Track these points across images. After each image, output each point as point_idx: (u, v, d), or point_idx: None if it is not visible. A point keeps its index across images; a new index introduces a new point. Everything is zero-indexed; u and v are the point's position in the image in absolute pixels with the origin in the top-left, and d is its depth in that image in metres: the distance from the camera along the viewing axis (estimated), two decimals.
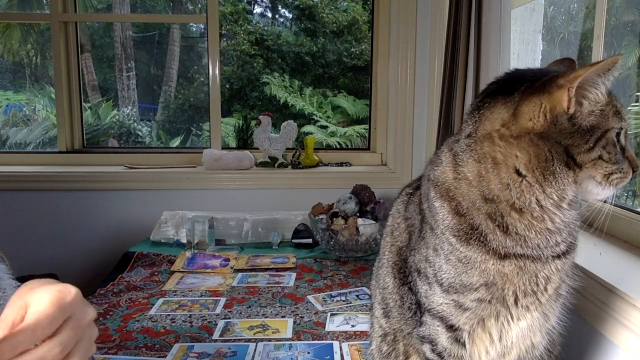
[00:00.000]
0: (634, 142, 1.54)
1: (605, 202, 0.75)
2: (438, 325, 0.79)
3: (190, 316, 1.46)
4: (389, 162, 2.59)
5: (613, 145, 0.68)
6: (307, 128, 5.29)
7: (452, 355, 0.79)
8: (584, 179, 0.69)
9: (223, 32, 5.34)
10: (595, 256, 1.10)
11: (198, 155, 2.51)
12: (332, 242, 1.99)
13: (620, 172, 0.69)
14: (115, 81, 5.41)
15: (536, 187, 0.69)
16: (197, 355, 1.24)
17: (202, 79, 5.49)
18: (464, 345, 0.79)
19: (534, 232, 0.71)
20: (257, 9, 6.30)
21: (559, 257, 0.73)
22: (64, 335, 0.52)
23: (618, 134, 0.69)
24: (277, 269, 1.87)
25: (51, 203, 2.37)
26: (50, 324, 0.51)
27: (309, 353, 1.25)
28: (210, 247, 2.05)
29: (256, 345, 1.28)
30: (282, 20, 6.13)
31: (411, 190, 0.92)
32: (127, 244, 2.16)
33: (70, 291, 0.54)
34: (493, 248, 0.72)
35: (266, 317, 1.46)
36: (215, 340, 1.32)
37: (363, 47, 5.30)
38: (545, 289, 0.75)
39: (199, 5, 5.20)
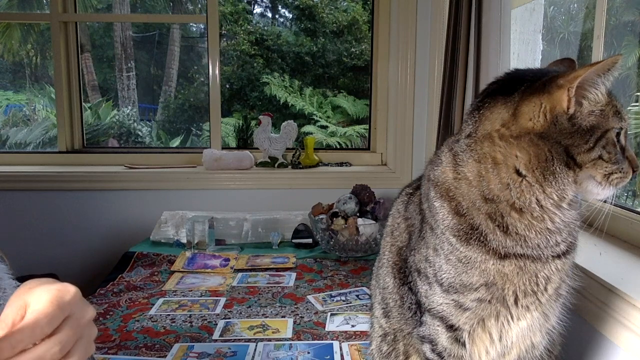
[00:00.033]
0: (634, 142, 1.54)
1: (605, 202, 0.75)
2: (438, 325, 0.79)
3: (190, 316, 1.46)
4: (389, 162, 2.59)
5: (613, 145, 0.68)
6: (307, 128, 5.29)
7: (452, 355, 0.79)
8: (584, 179, 0.69)
9: (223, 32, 5.34)
10: (595, 256, 1.10)
11: (198, 155, 2.51)
12: (332, 242, 1.99)
13: (620, 172, 0.69)
14: (115, 81, 5.41)
15: (536, 187, 0.69)
16: (197, 355, 1.24)
17: (202, 79, 5.49)
18: (464, 345, 0.79)
19: (534, 232, 0.71)
20: (257, 9, 6.31)
21: (559, 257, 0.74)
22: (63, 334, 0.52)
23: (618, 134, 0.69)
24: (277, 269, 1.87)
25: (51, 203, 2.37)
26: (50, 323, 0.51)
27: (309, 353, 1.25)
28: (210, 247, 2.05)
29: (256, 345, 1.28)
30: (282, 20, 6.13)
31: (411, 190, 0.92)
32: (127, 244, 2.16)
33: (69, 290, 0.54)
34: (493, 248, 0.72)
35: (266, 317, 1.46)
36: (215, 340, 1.32)
37: (363, 47, 5.30)
38: (546, 289, 0.75)
39: (199, 5, 5.20)
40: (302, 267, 1.89)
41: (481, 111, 0.74)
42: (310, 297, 1.60)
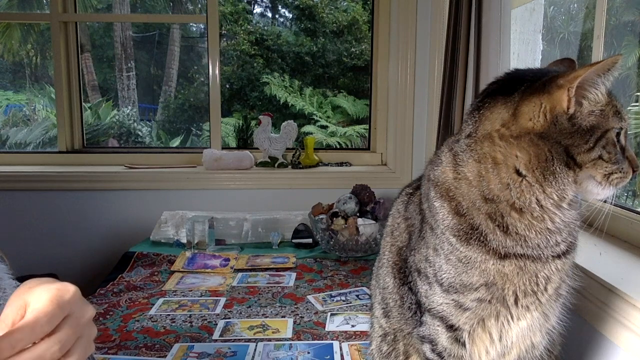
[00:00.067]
0: (634, 142, 1.54)
1: (605, 202, 0.75)
2: (438, 325, 0.79)
3: (190, 316, 1.46)
4: (389, 162, 2.59)
5: (613, 145, 0.68)
6: (307, 128, 5.29)
7: (452, 355, 0.79)
8: (584, 178, 0.69)
9: (223, 32, 5.34)
10: (595, 256, 1.10)
11: (198, 155, 2.51)
12: (332, 242, 1.99)
13: (620, 172, 0.69)
14: (115, 81, 5.40)
15: (536, 187, 0.69)
16: (197, 355, 1.24)
17: (202, 79, 5.49)
18: (464, 345, 0.79)
19: (534, 232, 0.71)
20: (257, 9, 6.30)
21: (559, 257, 0.74)
22: (62, 333, 0.52)
23: (618, 134, 0.69)
24: (277, 269, 1.87)
25: (51, 203, 2.37)
26: (49, 322, 0.51)
27: (309, 353, 1.25)
28: (210, 247, 2.05)
29: (256, 345, 1.28)
30: (282, 20, 6.13)
31: (411, 190, 0.92)
32: (127, 244, 2.16)
33: (69, 289, 0.54)
34: (493, 248, 0.72)
35: (266, 317, 1.46)
36: (215, 340, 1.32)
37: (363, 47, 5.30)
38: (546, 289, 0.75)
39: (199, 5, 5.20)
40: (302, 267, 1.89)
41: (481, 111, 0.74)
42: (310, 297, 1.60)
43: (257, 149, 2.54)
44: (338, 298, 1.60)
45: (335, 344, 1.29)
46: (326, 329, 1.38)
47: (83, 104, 2.64)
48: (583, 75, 0.66)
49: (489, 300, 0.74)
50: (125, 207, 2.39)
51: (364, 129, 4.73)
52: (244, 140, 3.05)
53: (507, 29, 1.46)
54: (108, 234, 2.39)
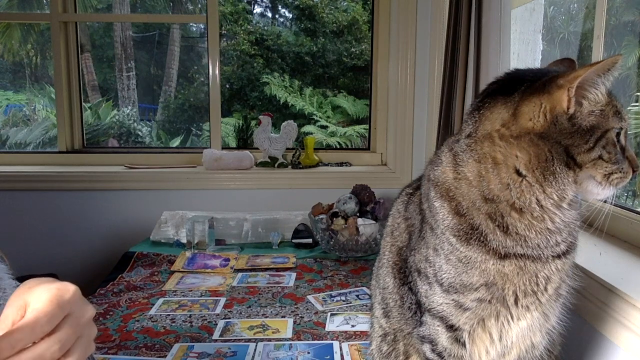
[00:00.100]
0: (634, 142, 1.54)
1: (605, 202, 0.75)
2: (438, 325, 0.79)
3: (190, 316, 1.46)
4: (389, 162, 2.59)
5: (613, 145, 0.68)
6: (307, 128, 5.29)
7: (452, 355, 0.79)
8: (584, 179, 0.69)
9: (223, 32, 5.34)
10: (595, 256, 1.10)
11: (198, 155, 2.51)
12: (332, 242, 1.99)
13: (620, 172, 0.69)
14: (115, 81, 5.40)
15: (536, 187, 0.69)
16: (197, 355, 1.24)
17: (202, 79, 5.49)
18: (464, 345, 0.79)
19: (534, 232, 0.71)
20: (257, 9, 6.30)
21: (559, 257, 0.74)
22: (62, 333, 0.52)
23: (618, 134, 0.69)
24: (277, 269, 1.87)
25: (51, 203, 2.37)
26: (49, 322, 0.51)
27: (309, 353, 1.25)
28: (210, 247, 2.05)
29: (256, 345, 1.28)
30: (282, 20, 6.12)
31: (411, 190, 0.92)
32: (127, 244, 2.16)
33: (69, 289, 0.54)
34: (493, 248, 0.72)
35: (266, 317, 1.46)
36: (215, 340, 1.32)
37: (363, 47, 5.30)
38: (546, 289, 0.75)
39: (199, 5, 5.20)
40: (302, 267, 1.89)
41: (481, 111, 0.74)
42: (310, 297, 1.60)
43: (257, 149, 2.54)
44: (338, 298, 1.60)
45: (335, 344, 1.29)
46: (326, 329, 1.38)
47: (83, 104, 2.64)
48: (583, 75, 0.66)
49: (489, 300, 0.74)
50: (125, 207, 2.39)
51: (364, 129, 4.73)
52: (244, 140, 3.05)
53: (507, 29, 1.46)
54: (108, 234, 2.39)
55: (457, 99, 1.66)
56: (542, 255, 0.72)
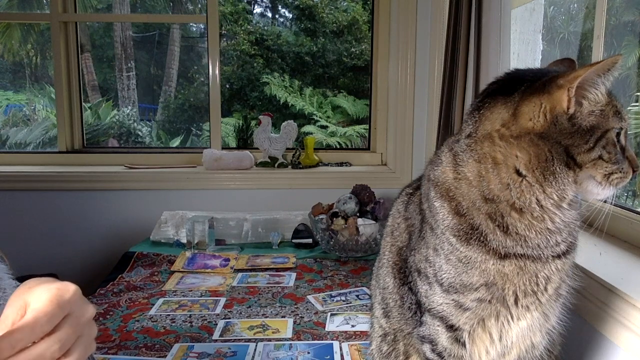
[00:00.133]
0: (634, 142, 1.54)
1: (605, 202, 0.75)
2: (438, 325, 0.79)
3: (190, 316, 1.46)
4: (389, 162, 2.59)
5: (613, 145, 0.68)
6: (307, 128, 5.29)
7: (452, 355, 0.79)
8: (584, 179, 0.69)
9: (223, 32, 5.34)
10: (595, 256, 1.10)
11: (198, 155, 2.51)
12: (332, 242, 1.99)
13: (620, 172, 0.69)
14: (115, 81, 5.40)
15: (536, 187, 0.69)
16: (197, 355, 1.24)
17: (202, 79, 5.49)
18: (464, 345, 0.79)
19: (534, 232, 0.71)
20: (257, 9, 6.30)
21: (559, 257, 0.74)
22: (62, 332, 0.52)
23: (618, 134, 0.69)
24: (277, 269, 1.87)
25: (51, 203, 2.37)
26: (49, 322, 0.51)
27: (309, 353, 1.25)
28: (210, 247, 2.05)
29: (256, 345, 1.28)
30: (282, 20, 6.12)
31: (411, 190, 0.92)
32: (127, 244, 2.16)
33: (69, 289, 0.54)
34: (493, 248, 0.72)
35: (266, 317, 1.46)
36: (215, 340, 1.32)
37: (363, 47, 5.30)
38: (546, 289, 0.75)
39: (199, 5, 5.20)
40: (302, 267, 1.89)
41: (481, 111, 0.74)
42: (310, 297, 1.60)
43: (257, 149, 2.54)
44: (338, 298, 1.60)
45: (335, 344, 1.29)
46: (326, 329, 1.38)
47: (83, 104, 2.64)
48: (583, 75, 0.66)
49: (489, 300, 0.74)
50: (125, 207, 2.39)
51: (364, 129, 4.73)
52: (244, 140, 3.05)
53: (507, 29, 1.46)
54: (108, 234, 2.39)
55: (457, 99, 1.66)
56: (542, 255, 0.72)
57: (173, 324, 1.41)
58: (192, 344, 1.30)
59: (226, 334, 1.36)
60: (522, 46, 1.90)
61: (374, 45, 2.62)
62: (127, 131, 4.96)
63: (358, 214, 2.06)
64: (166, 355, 1.24)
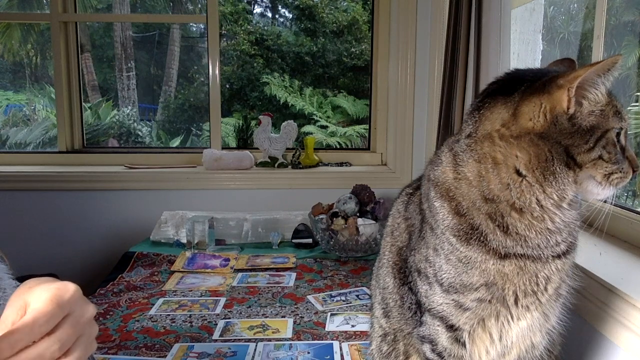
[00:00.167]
0: (634, 142, 1.54)
1: (605, 202, 0.75)
2: (438, 325, 0.79)
3: (190, 316, 1.46)
4: (389, 162, 2.59)
5: (613, 145, 0.68)
6: (307, 128, 5.29)
7: (452, 355, 0.79)
8: (584, 179, 0.69)
9: (223, 32, 5.34)
10: (595, 256, 1.10)
11: (198, 155, 2.51)
12: (332, 242, 1.99)
13: (620, 172, 0.69)
14: (115, 81, 5.40)
15: (536, 187, 0.69)
16: (197, 355, 1.24)
17: (202, 79, 5.49)
18: (464, 345, 0.79)
19: (534, 232, 0.71)
20: (257, 9, 6.30)
21: (559, 257, 0.74)
22: (62, 332, 0.52)
23: (618, 134, 0.69)
24: (277, 269, 1.87)
25: (51, 203, 2.37)
26: (48, 322, 0.51)
27: (309, 353, 1.25)
28: (210, 247, 2.05)
29: (256, 345, 1.28)
30: (282, 20, 6.12)
31: (411, 190, 0.92)
32: (127, 244, 2.16)
33: (68, 289, 0.54)
34: (493, 248, 0.72)
35: (266, 317, 1.46)
36: (215, 340, 1.32)
37: (363, 47, 5.30)
38: (546, 289, 0.75)
39: (199, 5, 5.20)
40: (302, 267, 1.89)
41: (481, 111, 0.74)
42: (310, 297, 1.60)
43: (257, 149, 2.54)
44: (338, 298, 1.60)
45: (335, 344, 1.29)
46: (326, 329, 1.38)
47: (83, 104, 2.64)
48: (583, 75, 0.66)
49: (489, 300, 0.74)
50: (125, 207, 2.39)
51: (364, 129, 4.73)
52: (244, 140, 3.05)
53: (507, 29, 1.46)
54: (108, 234, 2.39)
55: (457, 99, 1.65)
56: (542, 255, 0.72)
57: (173, 324, 1.41)
58: (192, 344, 1.30)
59: (226, 334, 1.36)
60: (522, 46, 1.90)
61: (374, 45, 2.62)
62: (127, 131, 4.96)
63: (358, 214, 2.06)
64: (166, 355, 1.24)
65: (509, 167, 0.70)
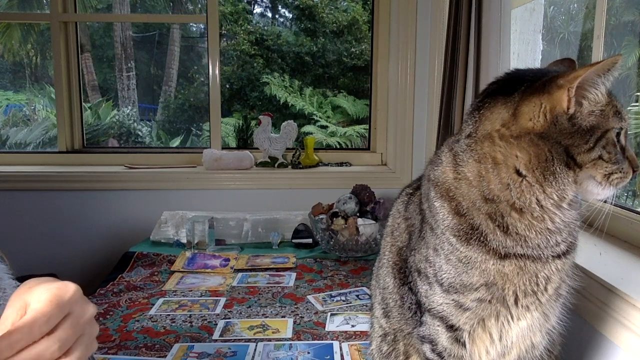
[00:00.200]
0: (634, 142, 1.54)
1: (605, 202, 0.75)
2: (438, 325, 0.79)
3: (190, 316, 1.46)
4: (389, 162, 2.59)
5: (613, 145, 0.68)
6: (307, 128, 5.29)
7: (452, 355, 0.79)
8: (584, 179, 0.69)
9: (223, 32, 5.34)
10: (595, 256, 1.10)
11: (198, 155, 2.51)
12: (332, 242, 1.99)
13: (620, 172, 0.69)
14: (115, 81, 5.40)
15: (536, 187, 0.69)
16: (197, 355, 1.24)
17: (202, 79, 5.49)
18: (464, 345, 0.79)
19: (534, 232, 0.71)
20: (257, 9, 6.30)
21: (559, 257, 0.74)
22: (62, 332, 0.52)
23: (618, 134, 0.69)
24: (277, 269, 1.87)
25: (51, 203, 2.37)
26: (47, 322, 0.51)
27: (309, 353, 1.25)
28: (210, 247, 2.05)
29: (256, 345, 1.28)
30: (282, 20, 6.12)
31: (411, 191, 0.92)
32: (127, 244, 2.16)
33: (69, 289, 0.54)
34: (493, 248, 0.72)
35: (266, 317, 1.46)
36: (215, 340, 1.32)
37: (363, 47, 5.30)
38: (546, 289, 0.75)
39: (199, 5, 5.20)
40: (302, 267, 1.89)
41: (481, 111, 0.74)
42: (310, 297, 1.60)
43: (257, 149, 2.54)
44: (338, 298, 1.60)
45: (335, 344, 1.29)
46: (326, 329, 1.38)
47: (83, 104, 2.64)
48: (583, 75, 0.66)
49: (489, 300, 0.74)
50: (125, 207, 2.39)
51: (364, 129, 4.73)
52: (244, 140, 3.05)
53: (507, 29, 1.46)
54: (108, 234, 2.39)
55: (457, 99, 1.65)
56: (542, 255, 0.72)
57: (173, 324, 1.41)
58: (192, 344, 1.30)
59: (226, 334, 1.36)
60: (522, 46, 1.90)
61: (374, 45, 2.62)
62: (127, 131, 4.96)
63: (358, 214, 2.06)
64: (166, 355, 1.24)
65: (509, 167, 0.70)
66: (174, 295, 1.63)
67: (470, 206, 0.73)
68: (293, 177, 2.46)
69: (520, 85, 0.71)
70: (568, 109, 0.67)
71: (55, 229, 2.38)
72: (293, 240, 2.14)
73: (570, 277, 0.79)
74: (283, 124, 2.54)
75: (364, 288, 1.67)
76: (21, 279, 0.63)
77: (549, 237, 0.72)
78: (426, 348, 0.82)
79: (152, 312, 1.49)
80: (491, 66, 1.44)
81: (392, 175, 2.50)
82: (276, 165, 2.51)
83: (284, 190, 2.45)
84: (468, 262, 0.73)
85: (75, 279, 0.57)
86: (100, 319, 1.43)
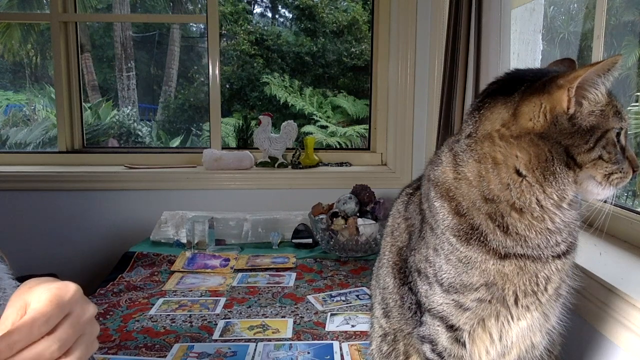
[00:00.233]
0: (634, 142, 1.54)
1: (605, 202, 0.75)
2: (438, 325, 0.79)
3: (190, 316, 1.46)
4: (389, 162, 2.59)
5: (613, 145, 0.68)
6: (307, 128, 5.29)
7: (452, 355, 0.79)
8: (584, 179, 0.69)
9: (223, 32, 5.34)
10: (595, 256, 1.10)
11: (198, 155, 2.51)
12: (332, 242, 1.99)
13: (620, 172, 0.69)
14: (115, 81, 5.40)
15: (536, 187, 0.69)
16: (197, 355, 1.24)
17: (202, 79, 5.49)
18: (464, 345, 0.79)
19: (534, 232, 0.71)
20: (257, 9, 6.30)
21: (559, 257, 0.74)
22: (62, 332, 0.52)
23: (618, 134, 0.69)
24: (277, 269, 1.87)
25: (51, 203, 2.37)
26: (47, 322, 0.51)
27: (309, 353, 1.25)
28: (210, 247, 2.05)
29: (256, 345, 1.28)
30: (282, 20, 6.12)
31: (411, 191, 0.92)
32: (127, 244, 2.16)
33: (69, 289, 0.54)
34: (493, 248, 0.72)
35: (266, 317, 1.46)
36: (215, 340, 1.32)
37: (363, 47, 5.30)
38: (546, 289, 0.75)
39: (199, 5, 5.20)
40: (302, 267, 1.89)
41: (481, 111, 0.74)
42: (310, 297, 1.60)
43: (257, 149, 2.54)
44: (338, 298, 1.60)
45: (335, 344, 1.29)
46: (326, 329, 1.38)
47: (83, 104, 2.64)
48: (583, 75, 0.66)
49: (489, 301, 0.74)
50: (125, 207, 2.39)
51: (364, 129, 4.73)
52: (244, 140, 3.05)
53: (507, 29, 1.46)
54: (108, 234, 2.39)
55: (457, 99, 1.65)
56: (542, 255, 0.72)
57: (173, 324, 1.41)
58: (192, 344, 1.30)
59: (226, 334, 1.36)
60: (522, 46, 1.90)
61: (374, 45, 2.62)
62: (127, 131, 4.96)
63: (358, 214, 2.06)
64: (166, 355, 1.24)
65: (509, 167, 0.70)
66: (174, 295, 1.63)
67: (470, 206, 0.73)
68: (293, 177, 2.46)
69: (520, 85, 0.71)
70: (568, 109, 0.67)
71: (55, 229, 2.38)
72: (293, 240, 2.14)
73: (570, 277, 0.79)
74: (283, 124, 2.54)
75: (364, 288, 1.67)
76: (21, 279, 0.63)
77: (549, 237, 0.72)
78: (426, 348, 0.82)
79: (152, 312, 1.49)
80: (491, 66, 1.44)
81: (392, 175, 2.51)
82: (276, 165, 2.51)
83: (284, 190, 2.45)
84: (468, 262, 0.73)
85: (75, 279, 0.57)
86: (100, 319, 1.43)
